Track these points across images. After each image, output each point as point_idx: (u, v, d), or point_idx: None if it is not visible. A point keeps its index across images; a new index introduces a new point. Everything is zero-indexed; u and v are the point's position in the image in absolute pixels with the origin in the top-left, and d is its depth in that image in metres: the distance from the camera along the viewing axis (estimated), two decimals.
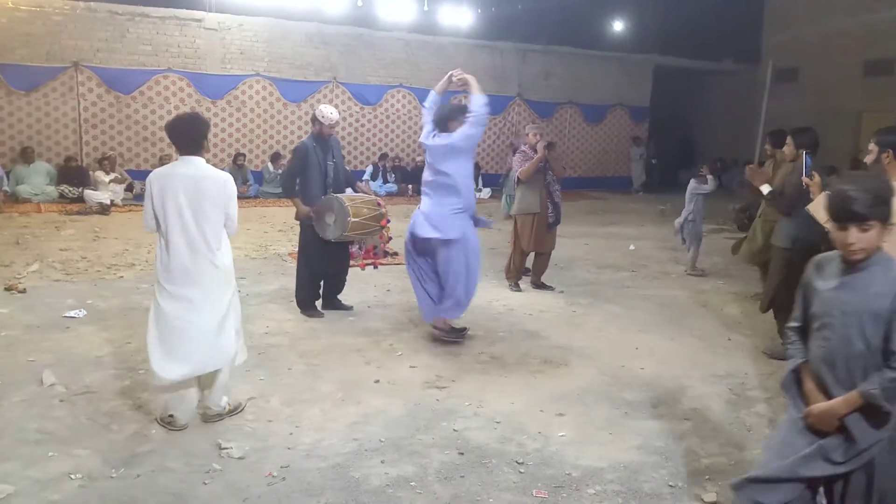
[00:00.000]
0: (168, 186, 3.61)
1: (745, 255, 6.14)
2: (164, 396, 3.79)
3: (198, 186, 3.63)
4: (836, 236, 2.29)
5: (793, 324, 2.56)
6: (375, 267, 6.95)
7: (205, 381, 3.84)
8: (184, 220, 3.60)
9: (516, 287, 7.15)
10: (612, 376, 4.78)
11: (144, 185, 3.72)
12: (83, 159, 13.01)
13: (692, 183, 8.24)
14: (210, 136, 3.89)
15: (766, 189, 5.22)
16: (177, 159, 3.77)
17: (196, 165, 3.69)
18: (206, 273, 3.67)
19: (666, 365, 5.04)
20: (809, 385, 2.42)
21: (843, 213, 2.24)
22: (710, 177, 8.30)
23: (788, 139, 5.33)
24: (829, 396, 2.34)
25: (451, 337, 5.38)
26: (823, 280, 2.39)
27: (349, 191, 6.04)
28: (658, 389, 4.58)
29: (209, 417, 3.87)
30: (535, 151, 6.89)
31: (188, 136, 3.71)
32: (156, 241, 3.76)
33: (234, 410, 3.98)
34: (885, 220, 2.23)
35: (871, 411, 2.25)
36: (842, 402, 2.29)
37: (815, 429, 2.36)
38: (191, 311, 3.66)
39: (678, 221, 8.30)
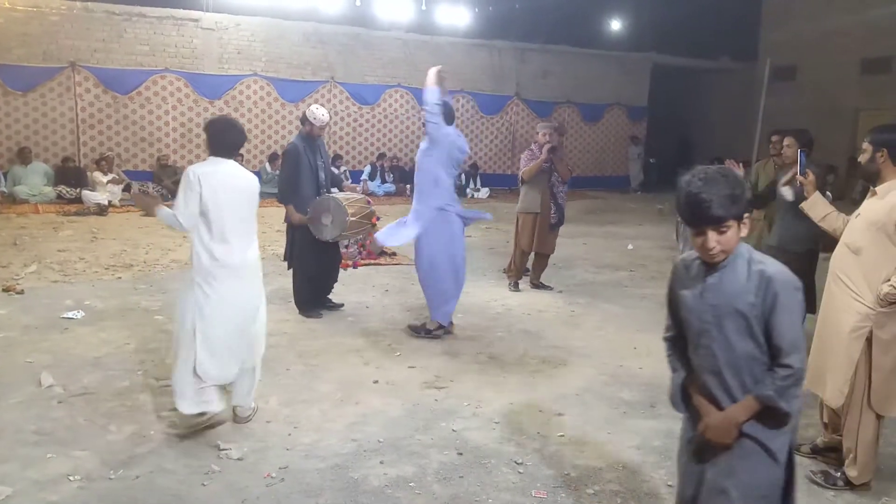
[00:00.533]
0: (219, 184, 3.65)
1: None
2: (193, 395, 3.69)
3: (246, 185, 3.80)
4: (693, 241, 2.15)
5: (667, 334, 2.42)
6: (355, 267, 7.01)
7: (237, 380, 3.85)
8: (240, 215, 3.73)
9: (515, 287, 7.15)
10: (610, 376, 4.79)
11: (184, 180, 3.62)
12: (80, 160, 12.99)
13: None
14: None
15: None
16: (206, 159, 3.81)
17: (235, 166, 3.82)
18: (253, 266, 3.82)
19: (664, 364, 5.01)
20: (699, 399, 2.26)
21: (699, 219, 2.08)
22: None
23: (790, 140, 5.32)
24: (720, 408, 2.19)
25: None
26: (688, 285, 2.24)
27: (335, 191, 6.04)
28: (656, 389, 4.57)
29: (241, 419, 3.87)
30: (540, 148, 6.86)
31: (231, 141, 3.82)
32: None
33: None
34: (740, 218, 2.10)
35: (769, 414, 2.13)
36: (739, 409, 2.15)
37: (711, 446, 2.20)
38: (237, 306, 3.74)
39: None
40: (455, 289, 5.51)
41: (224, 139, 3.79)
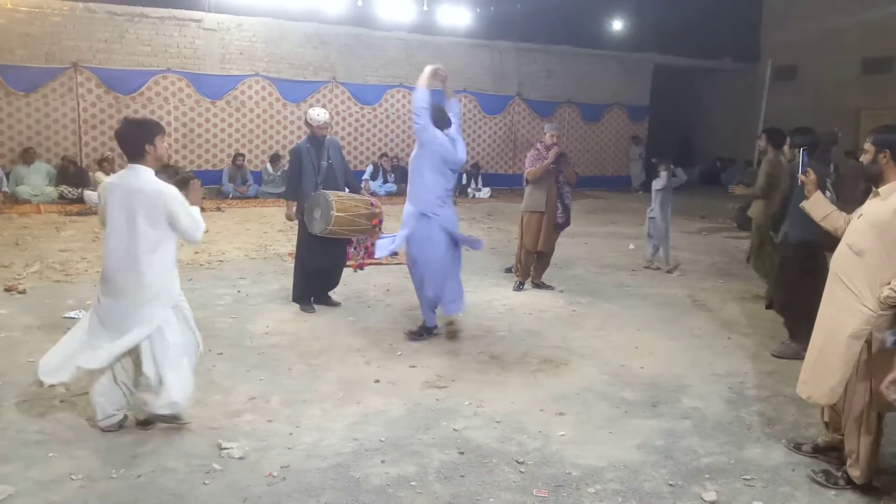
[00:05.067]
0: (109, 196, 3.55)
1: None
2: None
3: (131, 199, 3.51)
4: None
5: None
6: (362, 268, 7.05)
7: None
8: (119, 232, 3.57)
9: (520, 287, 7.12)
10: (611, 375, 4.79)
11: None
12: (83, 160, 12.99)
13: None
14: (158, 141, 3.62)
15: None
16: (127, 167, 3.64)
17: (137, 174, 3.56)
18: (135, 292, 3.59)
19: (666, 364, 5.05)
20: None
21: None
22: (664, 172, 8.36)
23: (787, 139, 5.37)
24: None
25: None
26: None
27: (346, 190, 6.13)
28: (658, 388, 4.58)
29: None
30: (546, 148, 6.85)
31: (123, 143, 3.61)
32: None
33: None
34: None
35: None
36: None
37: None
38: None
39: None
40: (426, 292, 5.40)
41: (122, 145, 3.61)
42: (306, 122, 6.03)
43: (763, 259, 6.75)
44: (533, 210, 6.95)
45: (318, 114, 5.99)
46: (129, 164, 3.60)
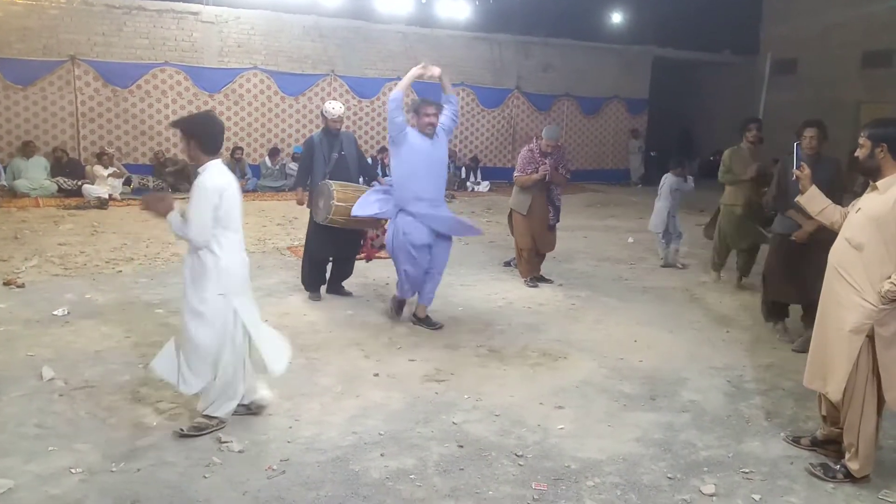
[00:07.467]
0: (236, 192, 3.78)
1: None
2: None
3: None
4: None
5: None
6: (370, 259, 7.11)
7: None
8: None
9: (534, 283, 7.04)
10: (610, 369, 4.80)
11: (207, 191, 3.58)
12: (80, 153, 12.97)
13: (672, 178, 8.20)
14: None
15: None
16: (204, 162, 3.67)
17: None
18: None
19: (664, 357, 5.05)
20: None
21: None
22: (690, 177, 8.27)
23: (813, 132, 5.40)
24: None
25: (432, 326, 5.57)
26: None
27: (361, 181, 6.36)
28: (657, 382, 4.59)
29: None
30: (541, 153, 6.79)
31: (214, 136, 3.71)
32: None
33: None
34: None
35: None
36: None
37: None
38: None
39: (658, 222, 8.27)
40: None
41: (219, 136, 3.71)
42: (322, 115, 6.16)
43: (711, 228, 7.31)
44: (518, 211, 7.01)
45: (333, 107, 6.08)
46: (215, 159, 3.70)
